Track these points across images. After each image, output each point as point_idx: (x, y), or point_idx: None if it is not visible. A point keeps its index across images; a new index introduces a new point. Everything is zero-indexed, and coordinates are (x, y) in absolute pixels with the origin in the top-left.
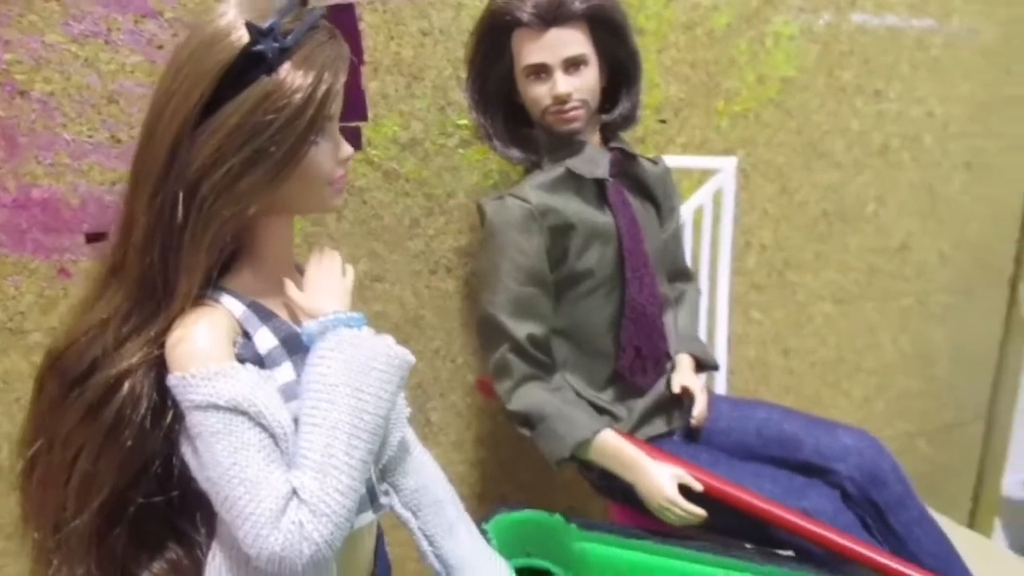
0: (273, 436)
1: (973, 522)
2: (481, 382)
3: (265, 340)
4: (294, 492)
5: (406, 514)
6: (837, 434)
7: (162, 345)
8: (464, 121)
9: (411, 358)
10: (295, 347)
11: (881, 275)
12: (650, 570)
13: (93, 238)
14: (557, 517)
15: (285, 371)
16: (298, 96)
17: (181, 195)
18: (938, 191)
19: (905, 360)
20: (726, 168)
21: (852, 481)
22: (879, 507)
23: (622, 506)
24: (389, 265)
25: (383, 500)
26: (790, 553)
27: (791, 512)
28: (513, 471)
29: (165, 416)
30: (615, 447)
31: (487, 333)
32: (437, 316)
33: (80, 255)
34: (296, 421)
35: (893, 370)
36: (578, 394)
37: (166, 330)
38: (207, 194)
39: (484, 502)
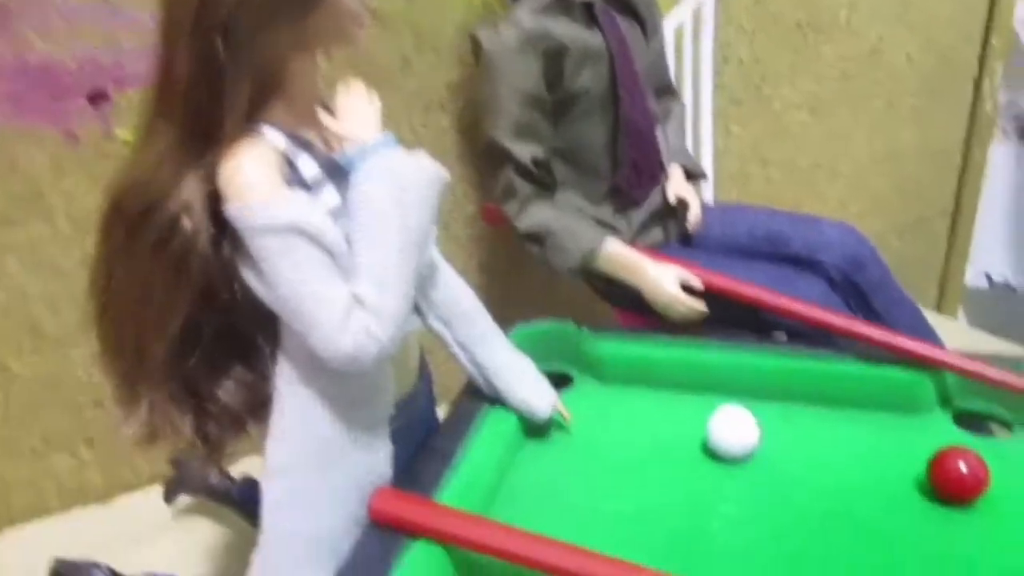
0: (331, 254)
1: (940, 309)
2: (487, 209)
3: (308, 167)
4: (357, 300)
5: (439, 326)
6: (821, 227)
7: (214, 180)
8: None
9: (444, 173)
10: (334, 173)
11: (854, 81)
12: (659, 362)
13: (95, 98)
14: (570, 325)
15: (330, 195)
16: None
17: (219, 35)
18: None
19: (877, 162)
20: None
21: (837, 269)
22: (862, 290)
23: (627, 312)
24: (384, 105)
25: (422, 305)
26: (783, 335)
27: (784, 297)
28: (514, 296)
29: (223, 246)
30: (620, 254)
31: (492, 158)
32: (435, 152)
33: (86, 119)
34: (348, 240)
35: (866, 172)
36: (580, 211)
37: (217, 165)
38: (245, 31)
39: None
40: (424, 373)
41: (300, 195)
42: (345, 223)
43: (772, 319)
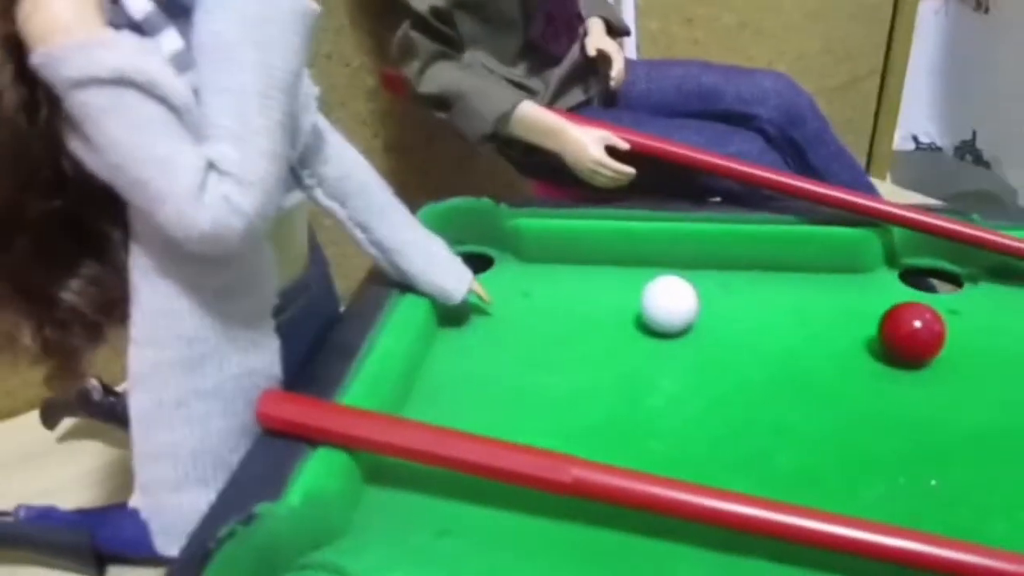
0: (174, 109)
1: (869, 171)
2: (386, 76)
3: (137, 3)
4: (211, 165)
5: (333, 204)
6: (756, 78)
7: (13, 17)
8: None
9: (314, 4)
10: (174, 12)
11: None
12: (586, 235)
13: None
14: (485, 200)
15: (170, 39)
16: None
17: None
18: None
19: (805, 21)
20: None
21: (772, 123)
22: (799, 145)
23: (549, 183)
24: None
25: (308, 181)
26: (717, 199)
27: (718, 156)
28: (428, 175)
29: (39, 110)
30: (536, 117)
31: (389, 12)
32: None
33: None
34: (196, 93)
35: (794, 32)
36: (490, 71)
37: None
38: None
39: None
40: (317, 257)
41: (128, 37)
42: (193, 73)
43: (707, 182)
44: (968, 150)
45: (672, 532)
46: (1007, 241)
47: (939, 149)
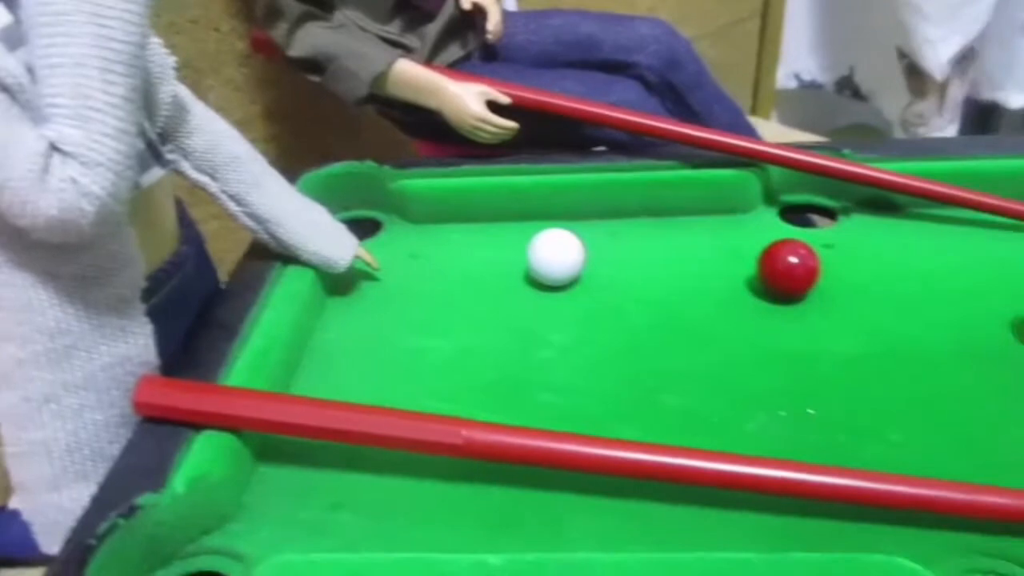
0: (5, 89)
1: (754, 112)
2: (256, 39)
3: None
4: (53, 147)
5: (203, 178)
6: (634, 26)
7: None
8: None
9: None
10: None
11: None
12: (472, 193)
13: None
14: (368, 164)
15: None
16: None
17: None
18: None
19: None
20: None
21: (652, 70)
22: (678, 90)
23: (432, 142)
24: None
25: (172, 156)
26: (603, 148)
27: (600, 106)
28: (311, 141)
29: None
30: (413, 75)
31: None
32: None
33: None
34: (31, 70)
35: None
36: (363, 30)
37: None
38: None
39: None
40: (189, 235)
41: None
42: (25, 50)
43: (591, 132)
44: (847, 85)
45: (568, 484)
46: (876, 173)
47: (820, 86)
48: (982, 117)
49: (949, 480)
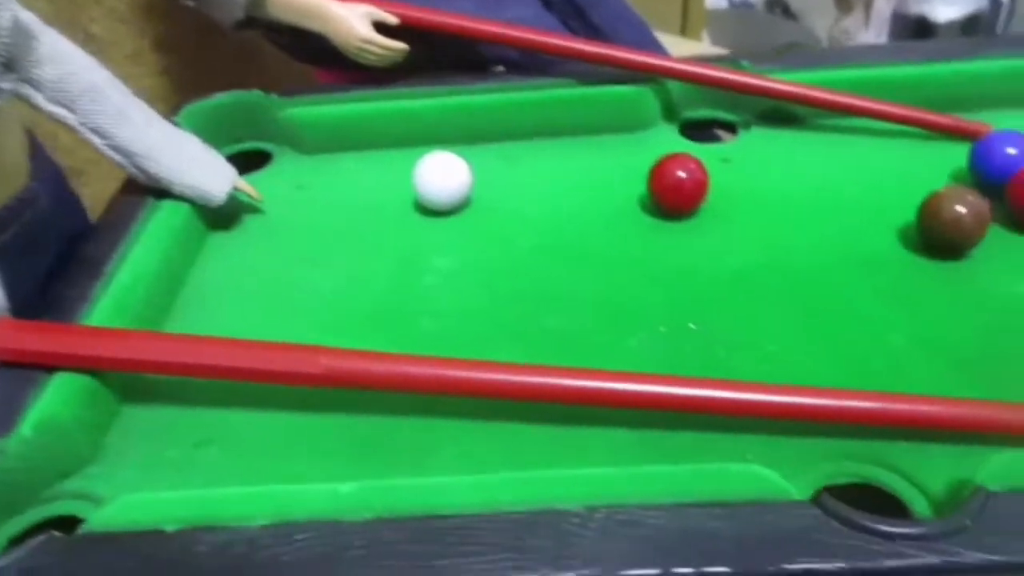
0: None
1: (684, 32)
2: None
3: None
4: None
5: (59, 110)
6: None
7: None
8: None
9: None
10: None
11: None
12: (363, 119)
13: None
14: (255, 93)
15: None
16: None
17: None
18: None
19: None
20: None
21: None
22: (580, 6)
23: (326, 68)
24: None
25: (17, 87)
26: (501, 69)
27: (494, 24)
28: (209, 71)
29: None
30: None
31: None
32: None
33: None
34: None
35: None
36: None
37: None
38: None
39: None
40: (42, 168)
41: None
42: None
43: (487, 52)
44: (777, 3)
45: (436, 409)
46: (772, 84)
47: (751, 5)
48: (916, 34)
49: (819, 387)
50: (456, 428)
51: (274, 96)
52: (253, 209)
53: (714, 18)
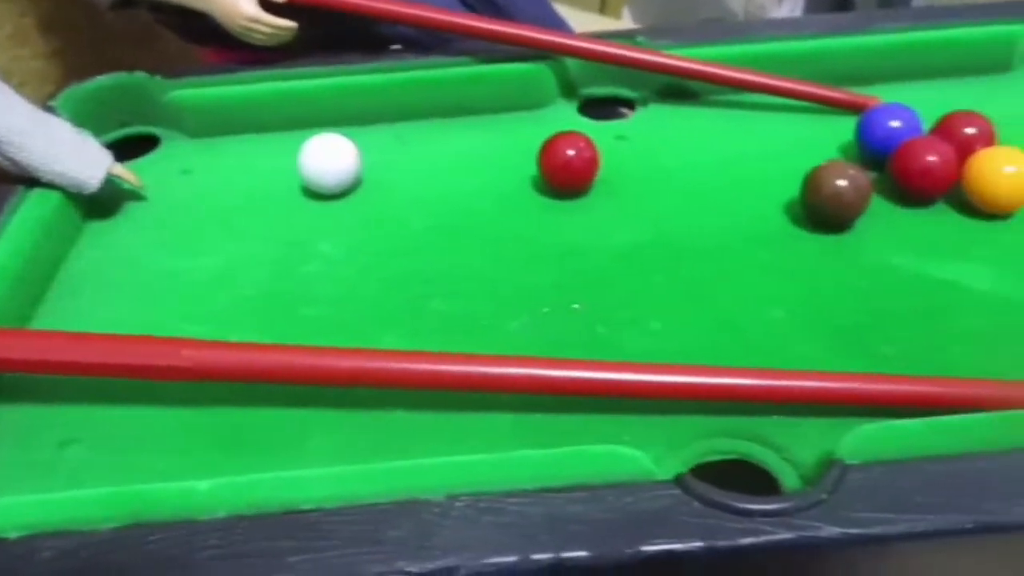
0: None
1: (603, 11)
2: None
3: None
4: None
5: None
6: None
7: None
8: None
9: None
10: None
11: None
12: (252, 101)
13: None
14: (138, 75)
15: None
16: None
17: None
18: None
19: None
20: None
21: None
22: None
23: (216, 48)
24: None
25: None
26: (397, 47)
27: (389, 2)
28: (103, 53)
29: None
30: None
31: None
32: None
33: None
34: None
35: None
36: None
37: None
38: None
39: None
40: None
41: None
42: None
43: (382, 30)
44: None
45: (310, 400)
46: (665, 60)
47: None
48: (832, 6)
49: (698, 364)
50: (329, 419)
51: (159, 78)
52: (135, 196)
53: None
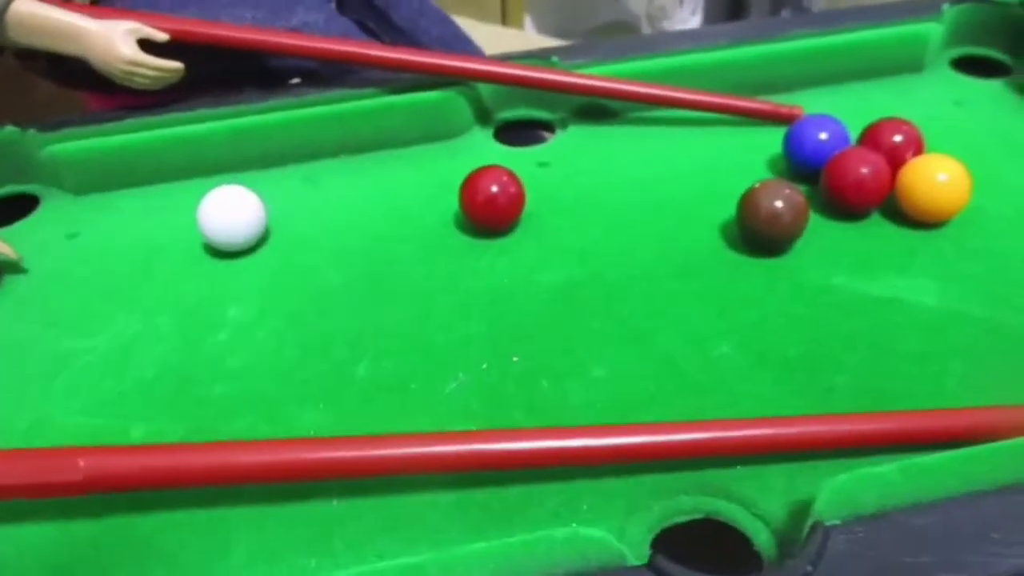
0: None
1: (505, 22)
2: None
3: None
4: None
5: None
6: None
7: None
8: None
9: None
10: None
11: None
12: (137, 149)
13: None
14: (8, 129)
15: None
16: None
17: None
18: None
19: None
20: None
21: None
22: (377, 7)
23: (97, 94)
24: None
25: None
26: (296, 81)
27: (279, 34)
28: None
29: None
30: (42, 18)
31: None
32: None
33: None
34: None
35: None
36: None
37: None
38: None
39: None
40: None
41: None
42: None
43: (278, 64)
44: None
45: (231, 497)
46: (576, 80)
47: None
48: (728, 9)
49: (646, 422)
50: (254, 515)
51: (33, 131)
52: (13, 268)
53: (535, 5)
